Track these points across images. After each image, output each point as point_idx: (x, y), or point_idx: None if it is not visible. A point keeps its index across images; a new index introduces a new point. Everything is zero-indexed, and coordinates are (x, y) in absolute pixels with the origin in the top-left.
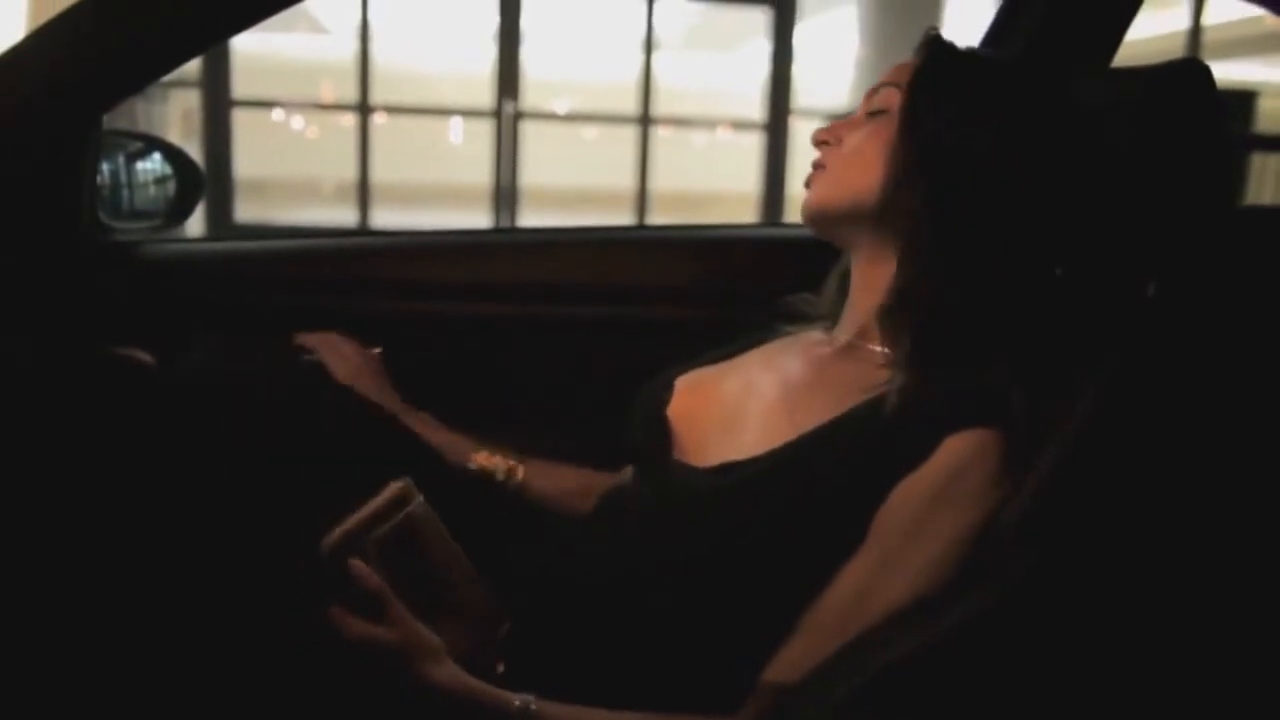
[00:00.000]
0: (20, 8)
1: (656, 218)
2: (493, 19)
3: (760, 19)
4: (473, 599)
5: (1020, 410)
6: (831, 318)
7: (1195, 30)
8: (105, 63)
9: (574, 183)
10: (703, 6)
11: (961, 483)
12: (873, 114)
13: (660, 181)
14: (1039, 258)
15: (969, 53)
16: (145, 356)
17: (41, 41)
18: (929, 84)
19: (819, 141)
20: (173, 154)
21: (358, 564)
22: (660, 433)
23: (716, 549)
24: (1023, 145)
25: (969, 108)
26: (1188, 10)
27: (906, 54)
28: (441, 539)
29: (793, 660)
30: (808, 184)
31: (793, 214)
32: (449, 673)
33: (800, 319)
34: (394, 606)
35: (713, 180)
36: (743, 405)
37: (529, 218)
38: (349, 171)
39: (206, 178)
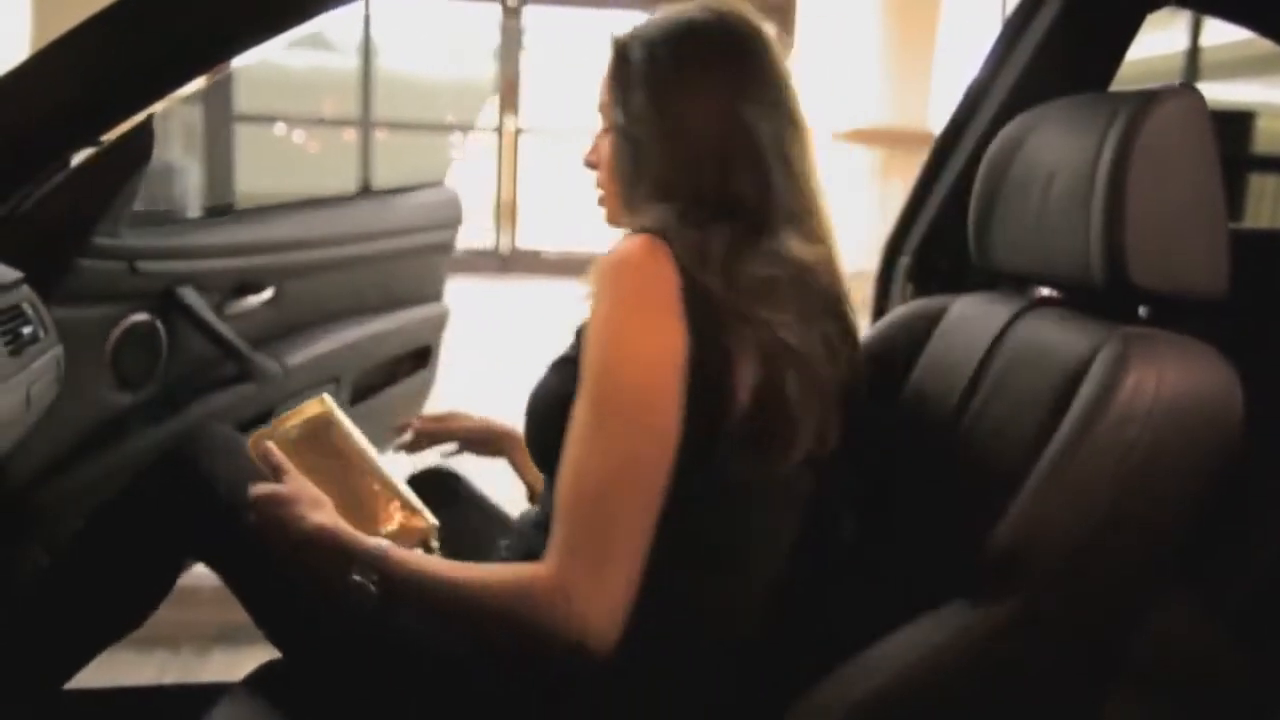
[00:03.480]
0: (24, 18)
1: None
2: (494, 35)
3: None
4: (384, 493)
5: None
6: None
7: (1193, 51)
8: (110, 82)
9: (573, 196)
10: None
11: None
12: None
13: None
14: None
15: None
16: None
17: (54, 58)
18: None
19: (588, 165)
20: None
21: (267, 446)
22: None
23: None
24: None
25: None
26: (1185, 30)
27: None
28: (353, 443)
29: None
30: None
31: None
32: (324, 516)
33: None
34: (291, 473)
35: None
36: None
37: (529, 230)
38: (350, 185)
39: (208, 191)
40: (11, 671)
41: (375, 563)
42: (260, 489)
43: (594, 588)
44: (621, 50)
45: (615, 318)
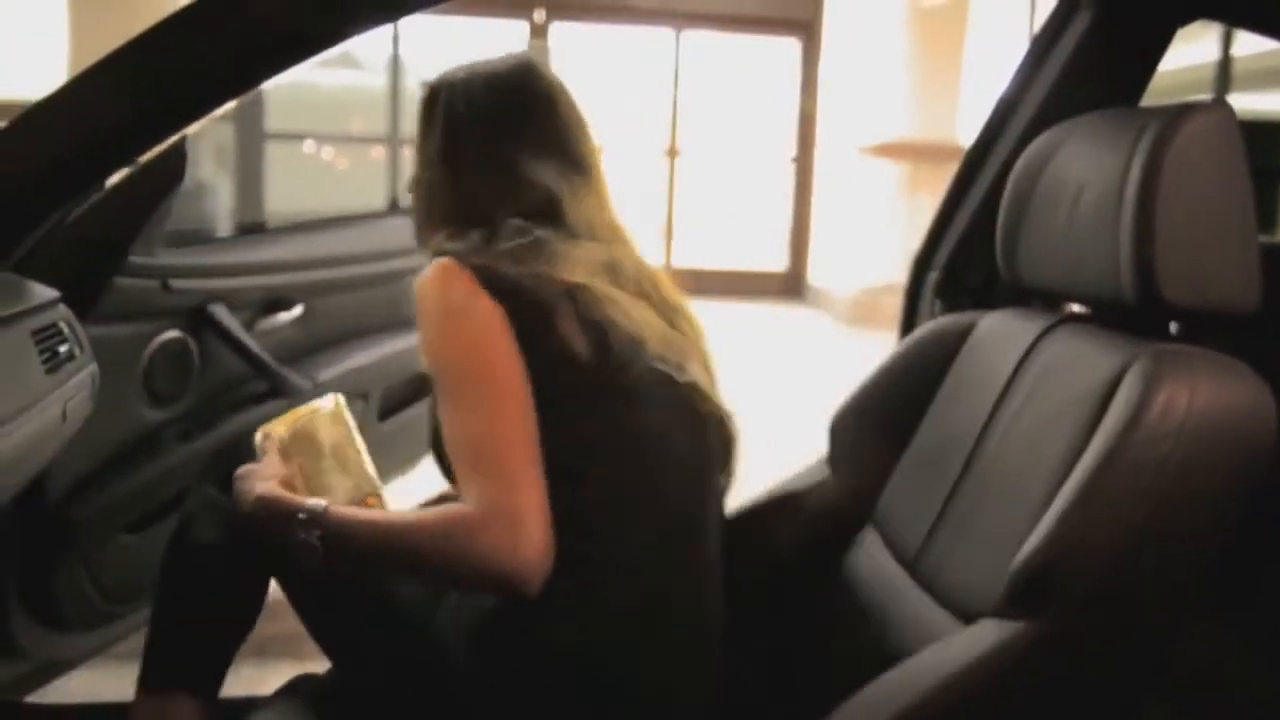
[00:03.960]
0: (62, 41)
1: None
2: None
3: (788, 50)
4: (361, 474)
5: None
6: None
7: (1225, 61)
8: (146, 106)
9: None
10: (730, 37)
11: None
12: None
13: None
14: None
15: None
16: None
17: (91, 84)
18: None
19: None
20: None
21: (263, 434)
22: None
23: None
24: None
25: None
26: (1216, 41)
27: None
28: (343, 435)
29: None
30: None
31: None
32: (268, 487)
33: None
34: (268, 457)
35: (741, 210)
36: None
37: None
38: (378, 201)
39: (239, 208)
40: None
41: (316, 518)
42: (237, 471)
43: (513, 510)
44: (429, 98)
45: (435, 322)
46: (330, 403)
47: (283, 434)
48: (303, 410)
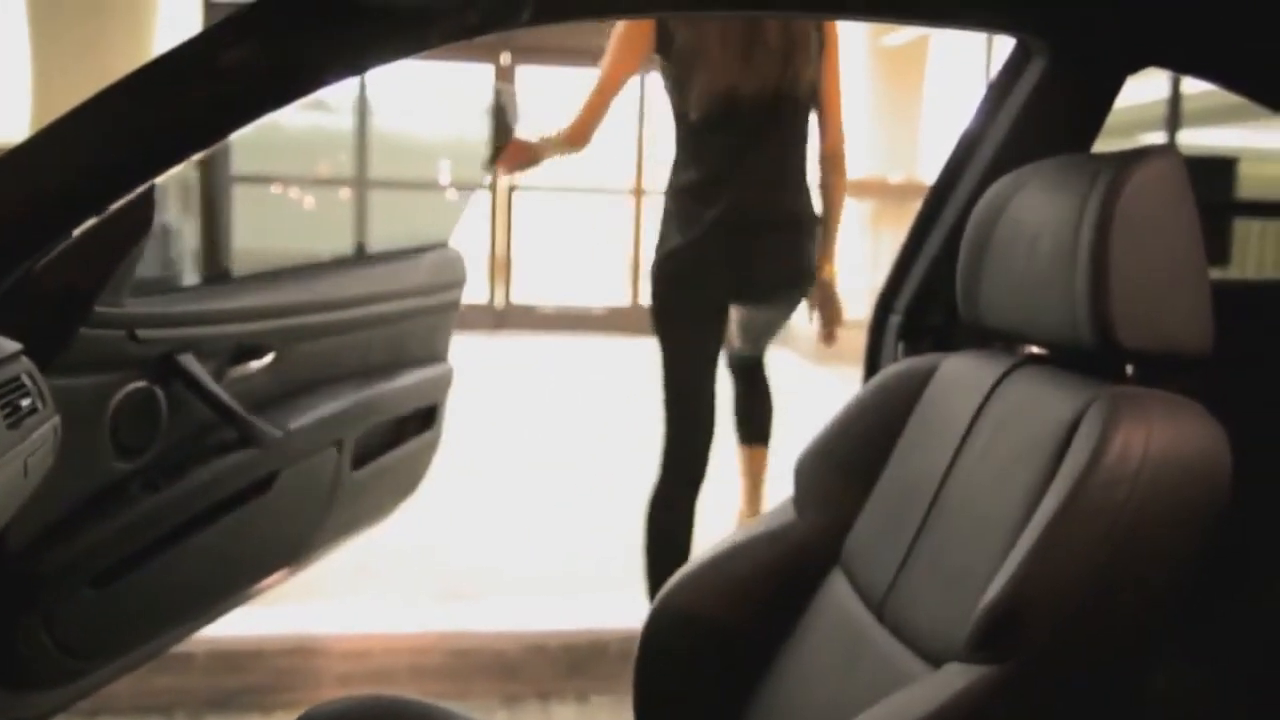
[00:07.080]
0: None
1: None
2: (487, 94)
3: None
4: None
5: None
6: None
7: (1175, 98)
8: (117, 157)
9: (566, 251)
10: None
11: None
12: None
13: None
14: None
15: None
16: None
17: (61, 133)
18: None
19: None
20: None
21: None
22: None
23: None
24: None
25: None
26: (1166, 79)
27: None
28: None
29: None
30: None
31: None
32: None
33: None
34: None
35: None
36: None
37: (523, 285)
38: (346, 243)
39: (204, 251)
40: None
41: None
42: None
43: None
44: None
45: None
46: None
47: None
48: None
